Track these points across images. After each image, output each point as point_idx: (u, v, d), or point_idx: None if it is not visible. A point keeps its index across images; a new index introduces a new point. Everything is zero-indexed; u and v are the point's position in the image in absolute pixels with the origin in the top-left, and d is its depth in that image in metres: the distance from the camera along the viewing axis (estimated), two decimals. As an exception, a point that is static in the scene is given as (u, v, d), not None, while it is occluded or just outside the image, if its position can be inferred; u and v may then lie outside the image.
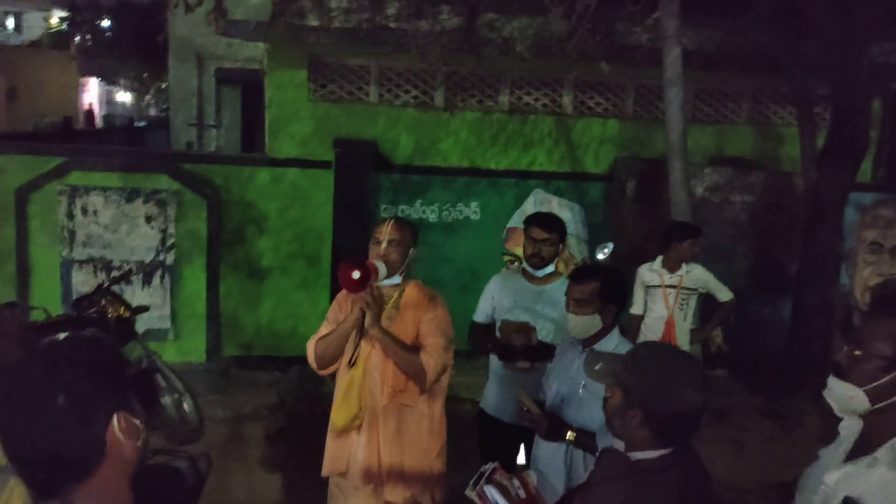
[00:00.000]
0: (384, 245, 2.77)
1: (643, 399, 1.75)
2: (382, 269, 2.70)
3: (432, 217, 6.75)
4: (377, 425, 2.79)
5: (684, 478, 1.75)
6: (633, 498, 1.76)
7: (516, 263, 5.67)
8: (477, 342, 3.64)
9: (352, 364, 2.79)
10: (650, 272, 4.93)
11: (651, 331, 4.91)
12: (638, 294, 5.00)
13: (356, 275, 2.55)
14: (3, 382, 1.20)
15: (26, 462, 1.19)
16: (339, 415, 2.79)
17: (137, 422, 1.28)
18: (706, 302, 5.23)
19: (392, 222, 2.84)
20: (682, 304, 4.84)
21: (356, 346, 2.80)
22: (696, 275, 4.86)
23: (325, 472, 2.89)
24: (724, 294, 4.94)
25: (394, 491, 2.81)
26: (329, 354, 2.82)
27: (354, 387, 2.75)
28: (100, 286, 5.01)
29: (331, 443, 2.88)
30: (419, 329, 2.80)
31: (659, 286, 4.86)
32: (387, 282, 2.79)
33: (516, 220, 6.62)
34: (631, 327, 5.01)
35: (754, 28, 6.25)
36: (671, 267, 4.85)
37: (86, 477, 1.20)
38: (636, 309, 5.02)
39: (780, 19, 6.00)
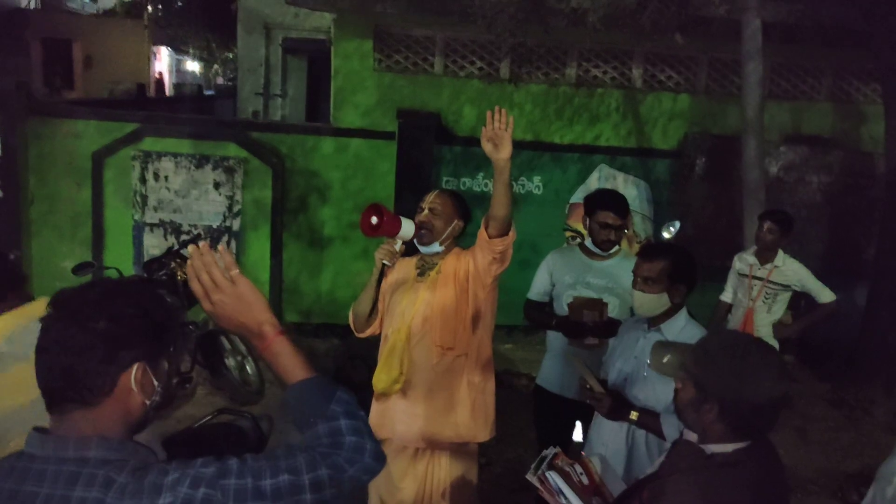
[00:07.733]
0: (425, 212, 2.84)
1: (719, 393, 1.67)
2: (408, 227, 2.76)
3: (494, 190, 6.70)
4: (421, 393, 2.80)
5: (760, 472, 1.68)
6: (708, 492, 1.68)
7: (578, 239, 5.59)
8: (535, 319, 3.60)
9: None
10: (741, 260, 4.76)
11: (734, 319, 4.77)
12: (730, 281, 4.83)
13: (374, 220, 2.69)
14: (73, 295, 1.29)
15: (48, 367, 1.26)
16: (379, 378, 2.83)
17: (156, 382, 1.32)
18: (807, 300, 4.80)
19: (436, 192, 2.92)
20: (766, 298, 4.60)
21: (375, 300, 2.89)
22: (788, 270, 4.57)
23: None
24: (823, 295, 4.55)
25: (437, 459, 2.84)
26: (359, 313, 2.94)
27: (397, 351, 2.79)
28: (170, 249, 5.18)
29: (373, 408, 2.92)
30: (466, 265, 2.77)
31: (747, 275, 4.68)
32: (428, 249, 2.86)
33: (579, 196, 6.53)
34: (717, 314, 4.86)
35: (838, 0, 5.92)
36: (763, 257, 4.62)
37: (87, 404, 1.25)
38: (725, 296, 4.85)
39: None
